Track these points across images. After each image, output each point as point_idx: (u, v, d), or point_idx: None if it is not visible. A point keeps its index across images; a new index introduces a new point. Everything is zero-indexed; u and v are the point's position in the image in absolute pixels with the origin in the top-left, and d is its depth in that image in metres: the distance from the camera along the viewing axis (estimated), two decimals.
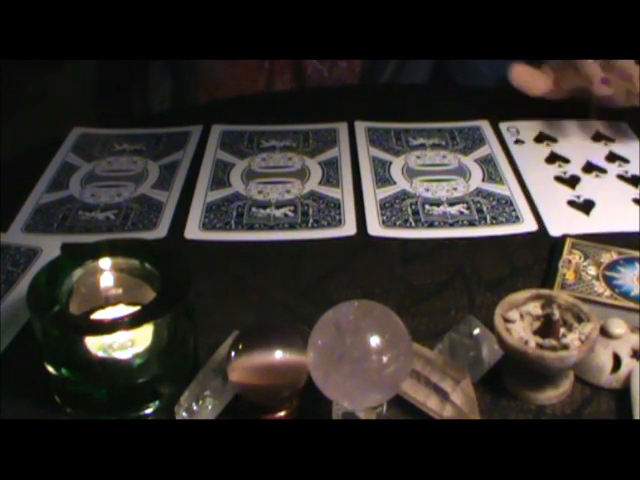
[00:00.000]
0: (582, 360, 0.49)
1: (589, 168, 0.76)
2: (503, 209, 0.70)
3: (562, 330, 0.49)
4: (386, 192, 0.73)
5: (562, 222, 0.68)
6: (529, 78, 0.79)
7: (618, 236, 0.65)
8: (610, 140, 0.81)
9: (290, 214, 0.70)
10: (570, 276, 0.59)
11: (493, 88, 0.90)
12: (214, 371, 0.50)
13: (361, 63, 1.00)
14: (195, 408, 0.48)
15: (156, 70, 1.06)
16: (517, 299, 0.52)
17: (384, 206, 0.71)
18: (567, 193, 0.72)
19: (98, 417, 0.50)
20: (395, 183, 0.75)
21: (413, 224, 0.68)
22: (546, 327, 0.49)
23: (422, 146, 0.81)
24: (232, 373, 0.47)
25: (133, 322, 0.47)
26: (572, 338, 0.48)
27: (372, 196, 0.72)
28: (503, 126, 0.84)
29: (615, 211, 0.69)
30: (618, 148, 0.79)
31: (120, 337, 0.47)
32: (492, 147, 0.80)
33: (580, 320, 0.50)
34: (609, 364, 0.51)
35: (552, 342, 0.48)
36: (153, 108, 1.07)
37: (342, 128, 0.85)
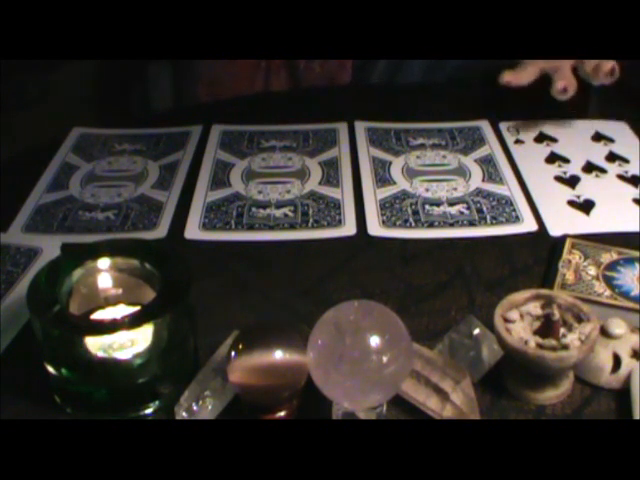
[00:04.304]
0: (582, 360, 0.49)
1: (589, 168, 0.76)
2: (503, 209, 0.70)
3: (562, 330, 0.49)
4: (386, 192, 0.73)
5: (562, 222, 0.68)
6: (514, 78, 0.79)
7: (618, 236, 0.65)
8: (610, 140, 0.81)
9: (290, 214, 0.70)
10: (570, 276, 0.59)
11: (493, 88, 0.90)
12: (214, 371, 0.50)
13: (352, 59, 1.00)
14: (195, 408, 0.48)
15: (155, 69, 1.06)
16: (517, 299, 0.52)
17: (384, 206, 0.71)
18: (567, 193, 0.72)
19: (98, 417, 0.50)
20: (395, 183, 0.75)
21: (413, 224, 0.68)
22: (546, 327, 0.49)
23: (422, 146, 0.81)
24: (232, 373, 0.47)
25: (133, 322, 0.47)
26: (572, 338, 0.48)
27: (372, 196, 0.72)
28: (503, 126, 0.84)
29: (615, 211, 0.69)
30: (618, 148, 0.79)
31: (120, 337, 0.47)
32: (492, 147, 0.80)
33: (580, 320, 0.50)
34: (609, 364, 0.51)
35: (552, 342, 0.48)
36: (153, 107, 1.07)
37: (342, 128, 0.85)
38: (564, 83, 0.77)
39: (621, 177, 0.75)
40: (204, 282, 0.60)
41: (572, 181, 0.74)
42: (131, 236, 0.67)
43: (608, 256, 0.61)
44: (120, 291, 0.54)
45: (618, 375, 0.51)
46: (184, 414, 0.48)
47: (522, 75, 0.79)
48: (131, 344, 0.48)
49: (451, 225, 0.68)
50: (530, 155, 0.79)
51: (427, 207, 0.71)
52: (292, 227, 0.69)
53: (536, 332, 0.50)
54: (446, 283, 0.61)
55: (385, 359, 0.44)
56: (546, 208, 0.70)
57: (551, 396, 0.50)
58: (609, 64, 0.76)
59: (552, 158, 0.78)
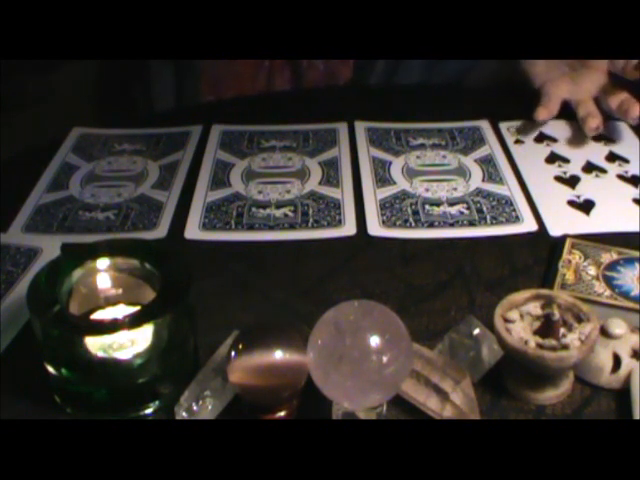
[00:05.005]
0: (582, 360, 0.49)
1: (589, 168, 0.76)
2: (503, 209, 0.70)
3: (562, 330, 0.49)
4: (386, 192, 0.73)
5: (562, 222, 0.68)
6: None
7: (618, 236, 0.65)
8: (610, 140, 0.81)
9: (290, 214, 0.70)
10: (570, 276, 0.59)
11: (493, 88, 0.91)
12: (214, 371, 0.50)
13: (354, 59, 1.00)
14: (195, 408, 0.48)
15: (157, 67, 1.06)
16: (517, 299, 0.52)
17: (384, 206, 0.71)
18: (567, 193, 0.72)
19: (98, 417, 0.50)
20: (395, 183, 0.75)
21: (413, 224, 0.68)
22: (546, 327, 0.49)
23: (422, 146, 0.81)
24: (232, 373, 0.47)
25: (133, 322, 0.47)
26: (572, 338, 0.48)
27: (372, 196, 0.72)
28: (503, 126, 0.84)
29: (615, 211, 0.69)
30: (618, 148, 0.79)
31: (120, 337, 0.47)
32: (492, 147, 0.80)
33: (580, 320, 0.50)
34: (609, 364, 0.51)
35: (552, 342, 0.48)
36: (154, 106, 1.07)
37: (342, 128, 0.85)
38: (597, 122, 0.78)
39: (621, 177, 0.75)
40: (204, 282, 0.60)
41: (572, 181, 0.74)
42: (131, 236, 0.67)
43: (608, 256, 0.61)
44: (120, 291, 0.54)
45: (618, 375, 0.51)
46: (184, 414, 0.48)
47: (552, 107, 0.80)
48: (131, 344, 0.48)
49: (451, 225, 0.68)
50: (530, 155, 0.79)
51: (427, 207, 0.71)
52: (292, 227, 0.69)
53: (536, 332, 0.49)
54: (446, 283, 0.61)
55: (385, 359, 0.44)
56: (546, 208, 0.70)
57: (551, 396, 0.50)
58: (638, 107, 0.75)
59: (552, 158, 0.78)
